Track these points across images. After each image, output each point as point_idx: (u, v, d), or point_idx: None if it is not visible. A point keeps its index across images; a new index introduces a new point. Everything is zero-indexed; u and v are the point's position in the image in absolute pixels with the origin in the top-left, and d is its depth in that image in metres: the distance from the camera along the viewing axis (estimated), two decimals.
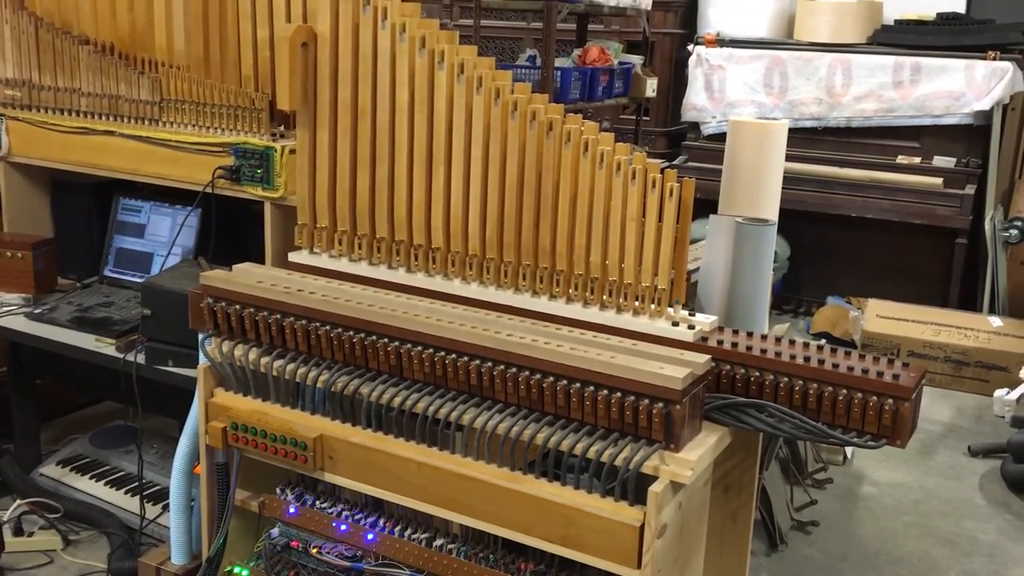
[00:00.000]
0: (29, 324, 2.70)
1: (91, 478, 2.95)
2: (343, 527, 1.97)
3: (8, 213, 3.02)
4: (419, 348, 1.83)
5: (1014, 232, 4.75)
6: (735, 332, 1.85)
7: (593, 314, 1.89)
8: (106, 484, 2.92)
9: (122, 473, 2.97)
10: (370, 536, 1.94)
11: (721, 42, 5.43)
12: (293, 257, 2.21)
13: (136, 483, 2.83)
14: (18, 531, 2.72)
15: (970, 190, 4.89)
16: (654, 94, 5.34)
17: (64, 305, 2.79)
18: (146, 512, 2.64)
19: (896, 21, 5.21)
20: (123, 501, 2.84)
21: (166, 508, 2.49)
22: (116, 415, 3.39)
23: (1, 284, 2.84)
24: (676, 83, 5.92)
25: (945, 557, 2.98)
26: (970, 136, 4.98)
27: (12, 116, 2.89)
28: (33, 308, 2.78)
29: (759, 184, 2.18)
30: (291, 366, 1.95)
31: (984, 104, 4.85)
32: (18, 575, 2.61)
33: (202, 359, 2.08)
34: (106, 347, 2.55)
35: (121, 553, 2.59)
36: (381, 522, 1.95)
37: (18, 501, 2.81)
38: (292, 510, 2.02)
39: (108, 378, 2.51)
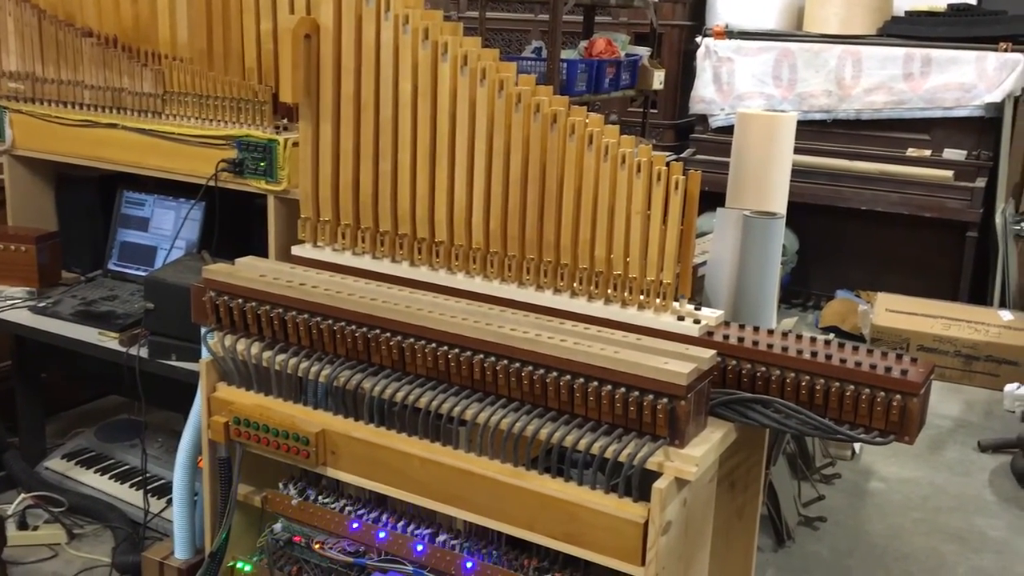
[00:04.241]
0: (33, 318, 2.70)
1: (96, 472, 2.95)
2: (355, 524, 1.96)
3: (12, 207, 3.01)
4: (422, 343, 1.82)
5: None
6: (742, 327, 1.83)
7: (598, 309, 1.88)
8: (111, 478, 2.92)
9: (127, 467, 2.97)
10: (382, 534, 1.93)
11: (730, 34, 5.39)
12: (296, 251, 2.19)
13: (140, 477, 2.83)
14: (22, 525, 2.72)
15: (981, 183, 4.86)
16: (662, 86, 5.31)
17: (68, 299, 2.78)
18: (150, 506, 2.63)
19: (906, 12, 5.17)
20: (127, 495, 2.84)
21: (170, 502, 2.48)
22: (121, 409, 3.39)
23: (5, 278, 2.83)
24: (684, 75, 5.89)
25: (954, 553, 2.96)
26: (981, 128, 4.94)
27: (16, 109, 2.88)
28: (37, 302, 2.77)
29: (767, 177, 2.15)
30: (293, 360, 1.94)
31: (995, 96, 4.81)
32: (23, 569, 2.61)
33: (205, 353, 2.07)
34: (109, 341, 2.54)
35: (125, 547, 2.59)
36: (384, 517, 1.94)
37: (23, 495, 2.81)
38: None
39: (113, 372, 2.50)
